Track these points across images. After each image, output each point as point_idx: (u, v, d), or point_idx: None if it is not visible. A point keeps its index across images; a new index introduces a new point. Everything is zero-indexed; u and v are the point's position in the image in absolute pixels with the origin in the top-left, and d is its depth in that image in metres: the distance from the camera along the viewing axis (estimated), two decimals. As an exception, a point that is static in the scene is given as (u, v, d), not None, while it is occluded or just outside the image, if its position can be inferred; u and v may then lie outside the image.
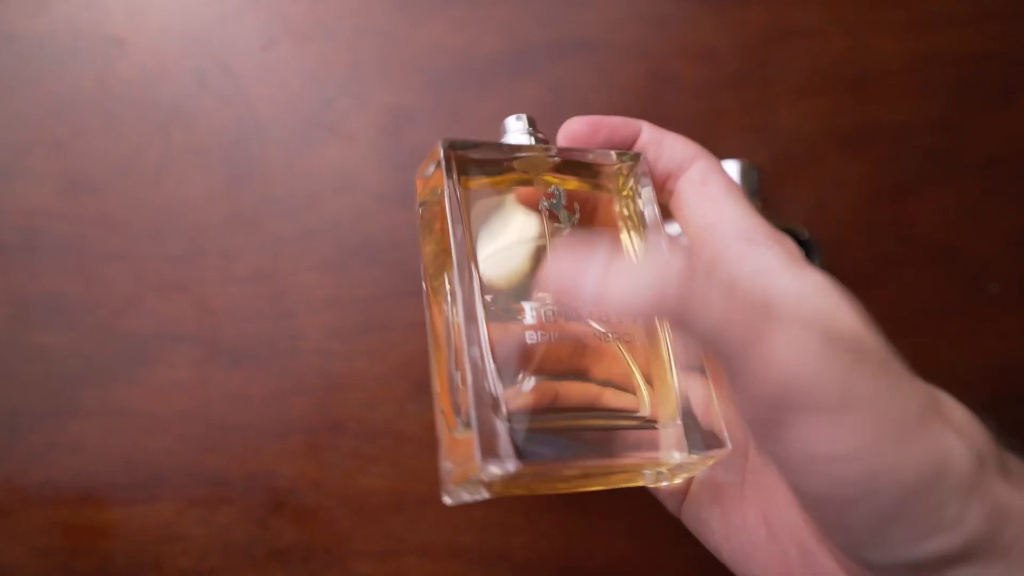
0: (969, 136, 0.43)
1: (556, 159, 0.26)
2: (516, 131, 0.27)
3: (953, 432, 0.19)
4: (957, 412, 0.20)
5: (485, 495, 0.21)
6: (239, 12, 0.43)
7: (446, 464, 0.22)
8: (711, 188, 0.25)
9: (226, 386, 0.40)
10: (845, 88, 0.43)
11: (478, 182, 0.25)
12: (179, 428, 0.40)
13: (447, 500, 0.22)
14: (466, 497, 0.21)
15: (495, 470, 0.19)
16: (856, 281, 0.42)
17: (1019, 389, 0.41)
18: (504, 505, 0.40)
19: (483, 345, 0.21)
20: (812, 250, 0.39)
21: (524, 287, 0.23)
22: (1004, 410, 0.40)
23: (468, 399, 0.20)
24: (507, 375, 0.21)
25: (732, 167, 0.40)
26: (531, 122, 0.27)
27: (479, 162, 0.25)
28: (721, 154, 0.42)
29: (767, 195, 0.42)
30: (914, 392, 0.19)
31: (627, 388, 0.23)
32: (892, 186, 0.42)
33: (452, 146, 0.24)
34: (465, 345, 0.21)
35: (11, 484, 0.40)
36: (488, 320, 0.22)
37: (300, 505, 0.40)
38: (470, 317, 0.21)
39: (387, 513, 0.40)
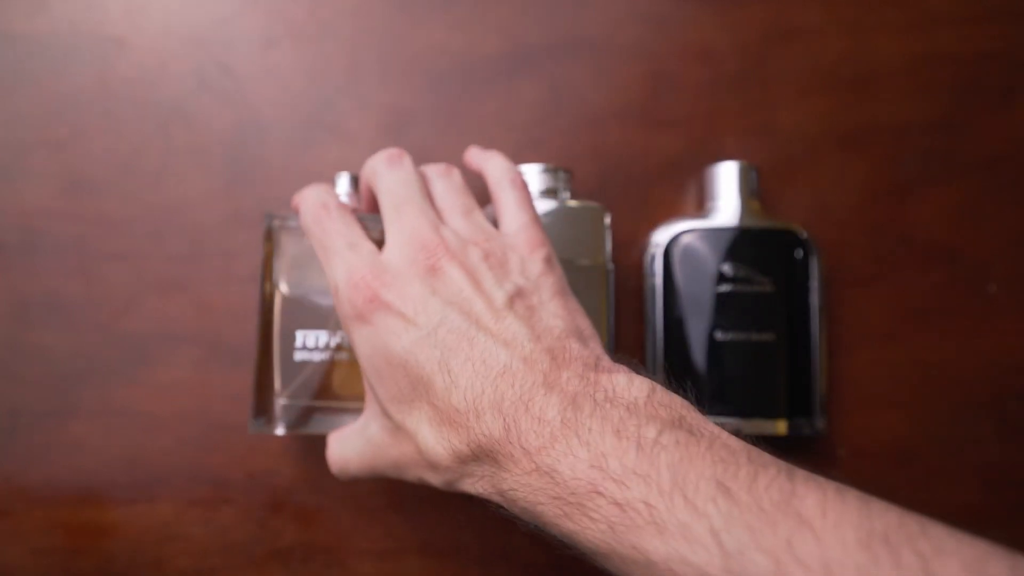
0: (969, 136, 0.43)
1: None
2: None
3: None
4: None
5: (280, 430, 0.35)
6: (240, 12, 0.43)
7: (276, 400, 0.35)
8: None
9: (226, 386, 0.40)
10: (845, 88, 0.43)
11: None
12: (179, 428, 0.40)
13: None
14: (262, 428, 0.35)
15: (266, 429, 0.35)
16: (856, 281, 0.42)
17: (1019, 389, 0.41)
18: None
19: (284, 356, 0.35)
20: (811, 251, 0.39)
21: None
22: (1004, 410, 0.41)
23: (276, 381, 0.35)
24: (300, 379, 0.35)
25: (731, 168, 0.40)
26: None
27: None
28: (721, 154, 0.42)
29: (767, 195, 0.42)
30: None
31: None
32: (892, 186, 0.42)
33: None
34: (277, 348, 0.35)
35: (11, 484, 0.40)
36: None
37: (300, 505, 0.40)
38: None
39: (387, 512, 0.40)
